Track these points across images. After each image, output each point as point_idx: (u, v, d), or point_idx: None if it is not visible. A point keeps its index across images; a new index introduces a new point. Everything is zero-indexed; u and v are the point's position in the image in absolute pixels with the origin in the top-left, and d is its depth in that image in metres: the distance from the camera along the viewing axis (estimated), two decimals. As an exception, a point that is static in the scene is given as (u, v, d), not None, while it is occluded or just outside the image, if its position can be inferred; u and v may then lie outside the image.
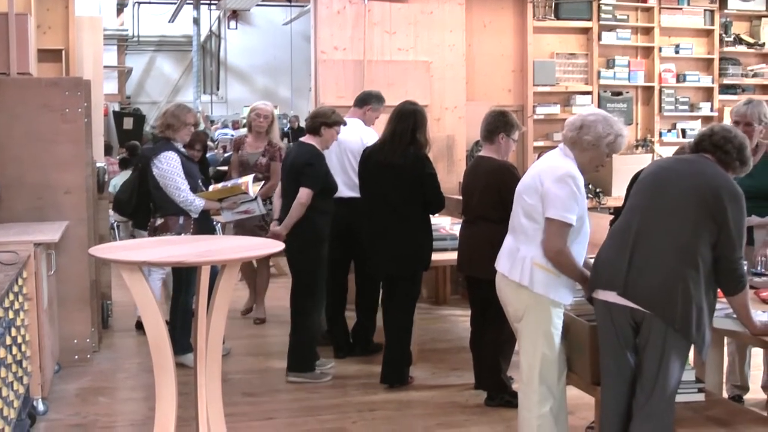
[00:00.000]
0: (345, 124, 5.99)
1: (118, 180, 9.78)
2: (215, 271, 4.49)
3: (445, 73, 9.37)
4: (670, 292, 3.59)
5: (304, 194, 5.74)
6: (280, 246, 4.36)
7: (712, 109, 10.90)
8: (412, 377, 5.96)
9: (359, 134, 6.50)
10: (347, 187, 6.44)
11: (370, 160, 5.83)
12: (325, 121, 5.86)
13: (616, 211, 4.52)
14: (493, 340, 5.37)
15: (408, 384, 5.89)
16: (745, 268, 4.83)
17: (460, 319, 7.82)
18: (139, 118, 18.69)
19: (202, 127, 9.38)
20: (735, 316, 3.88)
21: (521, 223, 4.21)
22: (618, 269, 3.73)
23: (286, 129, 17.43)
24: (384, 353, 5.90)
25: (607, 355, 3.84)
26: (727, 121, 5.53)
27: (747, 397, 5.47)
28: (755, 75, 11.14)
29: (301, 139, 6.06)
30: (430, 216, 5.82)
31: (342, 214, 6.22)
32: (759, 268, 5.05)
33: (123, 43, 21.15)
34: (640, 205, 3.79)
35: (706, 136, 3.87)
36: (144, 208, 6.27)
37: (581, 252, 4.16)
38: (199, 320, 4.29)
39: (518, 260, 4.18)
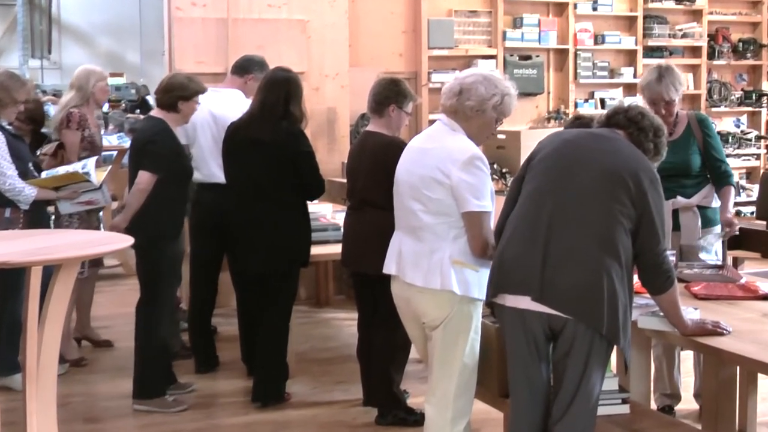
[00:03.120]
0: (205, 90, 5.88)
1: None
2: (49, 273, 4.36)
3: (325, 34, 9.33)
4: (594, 293, 3.62)
5: (143, 179, 5.59)
6: (127, 240, 4.26)
7: (635, 76, 11.12)
8: (290, 393, 5.96)
9: (239, 108, 6.40)
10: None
11: (235, 137, 5.76)
12: (182, 94, 5.72)
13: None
14: (384, 347, 5.39)
15: (285, 401, 5.88)
16: (672, 260, 4.98)
17: (345, 323, 7.86)
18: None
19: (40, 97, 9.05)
20: (662, 314, 3.96)
21: (426, 223, 4.21)
22: (530, 269, 3.69)
23: (131, 99, 17.07)
24: (255, 366, 5.85)
25: (518, 368, 3.85)
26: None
27: (678, 407, 5.63)
28: (684, 35, 11.45)
29: (151, 112, 5.95)
30: (308, 203, 5.81)
31: (217, 203, 6.14)
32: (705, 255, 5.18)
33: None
34: (549, 190, 3.77)
35: (621, 110, 3.94)
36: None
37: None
38: (29, 333, 4.16)
39: (434, 265, 4.18)
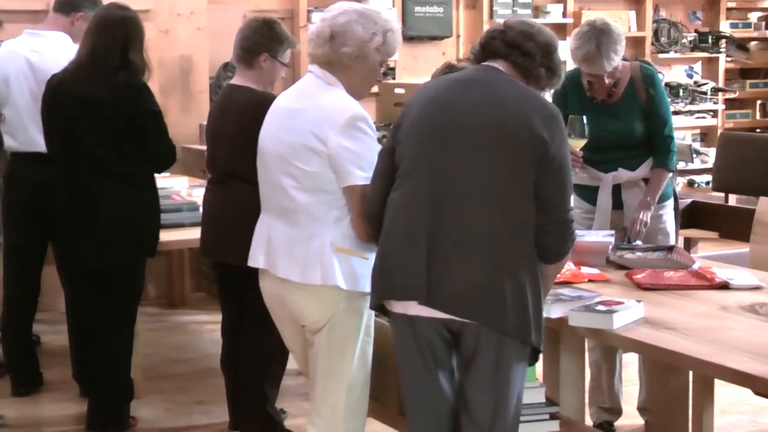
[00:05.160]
0: None
1: None
2: None
3: (176, -39, 9.25)
4: (495, 289, 3.66)
5: None
6: None
7: (564, 14, 11.28)
8: (135, 418, 5.94)
9: (65, 56, 6.30)
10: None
11: (59, 93, 5.67)
12: None
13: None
14: (256, 357, 5.38)
15: (129, 428, 5.85)
16: (610, 241, 5.07)
17: (206, 327, 7.85)
18: None
19: None
20: (598, 308, 4.03)
21: (300, 203, 4.18)
22: (413, 270, 3.72)
23: None
24: (91, 385, 5.80)
25: (410, 381, 3.89)
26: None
27: (619, 423, 5.75)
28: (624, -36, 11.62)
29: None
30: (156, 176, 5.79)
31: (38, 178, 6.07)
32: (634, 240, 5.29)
33: None
34: (422, 171, 3.76)
35: (497, 33, 3.91)
36: None
37: None
38: None
39: (313, 254, 4.16)
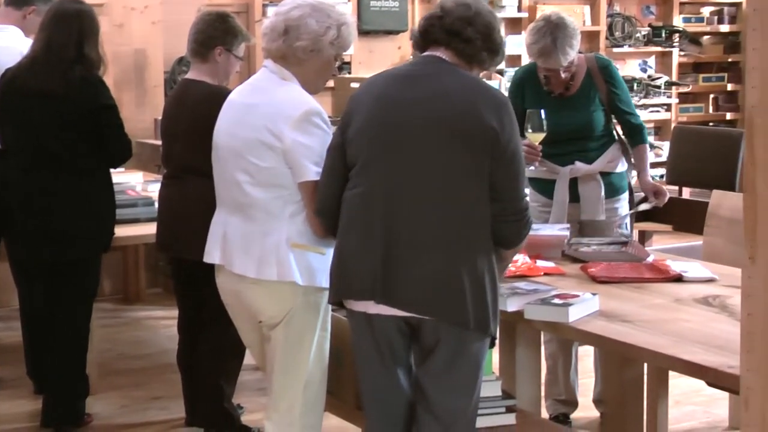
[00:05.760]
0: None
1: None
2: None
3: (130, -46, 9.20)
4: (454, 283, 3.67)
5: None
6: None
7: (519, 9, 11.30)
8: (90, 415, 5.91)
9: (18, 49, 6.26)
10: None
11: (12, 87, 5.63)
12: None
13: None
14: (212, 352, 5.37)
15: (85, 425, 5.82)
16: (566, 234, 5.10)
17: (162, 323, 7.81)
18: None
19: None
20: (554, 301, 4.05)
21: (255, 198, 4.17)
22: (370, 268, 3.72)
23: None
24: (46, 381, 5.77)
25: (368, 377, 3.90)
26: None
27: (575, 415, 5.78)
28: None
29: None
30: (111, 171, 5.75)
31: None
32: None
33: None
34: (376, 171, 3.76)
35: (435, 19, 3.87)
36: None
37: None
38: None
39: (269, 250, 4.15)
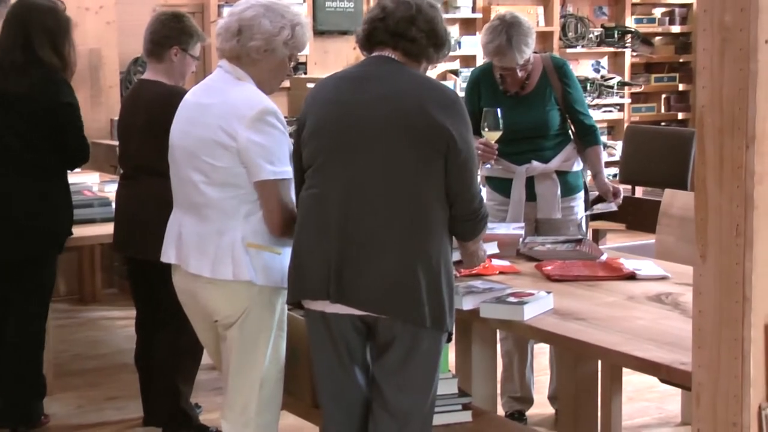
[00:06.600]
0: None
1: None
2: None
3: (82, -46, 9.16)
4: (410, 282, 3.69)
5: None
6: None
7: (474, 10, 11.34)
8: (47, 415, 5.89)
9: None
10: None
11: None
12: None
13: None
14: (169, 352, 5.37)
15: (41, 425, 5.80)
16: (520, 233, 5.13)
17: (118, 323, 7.79)
18: None
19: None
20: (509, 300, 4.08)
21: (210, 198, 4.15)
22: (324, 268, 3.74)
23: None
24: (1, 382, 5.73)
25: (327, 375, 3.92)
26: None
27: (530, 412, 5.81)
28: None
29: None
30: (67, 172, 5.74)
31: None
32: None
33: None
34: (330, 169, 3.79)
35: (377, 21, 3.88)
36: None
37: None
38: None
39: (224, 250, 4.13)
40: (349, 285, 3.71)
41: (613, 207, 5.75)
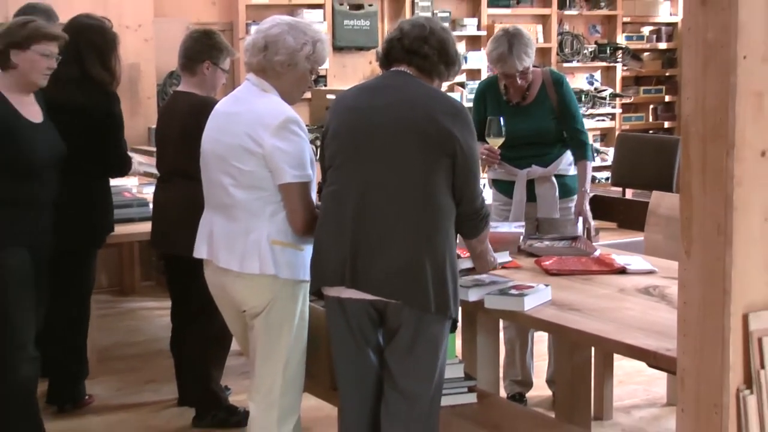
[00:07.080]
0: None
1: None
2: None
3: (124, -23, 9.18)
4: (417, 271, 3.71)
5: None
6: None
7: (479, 27, 11.32)
8: (91, 396, 5.91)
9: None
10: None
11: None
12: (12, 41, 4.84)
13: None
14: (201, 339, 5.38)
15: (85, 405, 5.83)
16: (521, 231, 5.12)
17: (155, 313, 7.81)
18: None
19: None
20: (511, 292, 4.08)
21: (238, 199, 4.17)
22: (340, 256, 3.78)
23: None
24: (49, 364, 5.74)
25: (344, 359, 3.94)
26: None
27: (530, 394, 5.81)
28: (532, -18, 11.69)
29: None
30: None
31: None
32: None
33: None
34: (348, 167, 3.83)
35: (395, 41, 3.95)
36: None
37: None
38: None
39: (251, 246, 4.15)
40: (362, 272, 3.74)
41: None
